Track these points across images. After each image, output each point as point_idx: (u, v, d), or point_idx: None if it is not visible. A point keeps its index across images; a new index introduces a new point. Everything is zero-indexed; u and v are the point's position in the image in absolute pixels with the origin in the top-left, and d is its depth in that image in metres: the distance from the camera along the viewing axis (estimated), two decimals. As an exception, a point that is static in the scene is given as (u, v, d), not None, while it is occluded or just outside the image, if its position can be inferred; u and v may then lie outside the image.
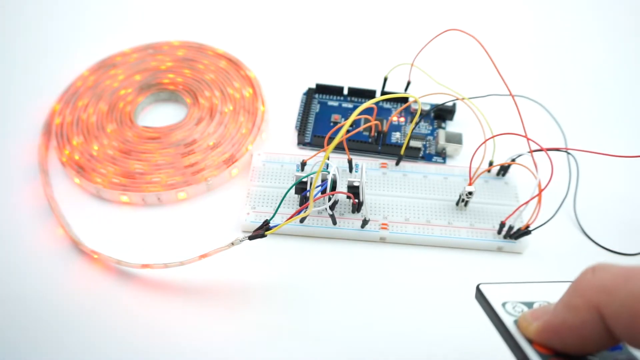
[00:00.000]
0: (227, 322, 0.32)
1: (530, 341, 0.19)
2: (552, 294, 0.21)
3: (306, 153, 0.40)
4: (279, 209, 0.35)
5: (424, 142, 0.40)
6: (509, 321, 0.20)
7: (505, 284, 0.22)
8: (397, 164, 0.39)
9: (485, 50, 0.34)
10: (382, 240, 0.35)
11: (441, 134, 0.40)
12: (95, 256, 0.34)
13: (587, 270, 0.17)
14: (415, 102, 0.42)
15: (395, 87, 0.42)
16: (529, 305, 0.21)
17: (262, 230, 0.30)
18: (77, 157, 0.39)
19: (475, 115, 0.36)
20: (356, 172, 0.38)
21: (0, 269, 0.34)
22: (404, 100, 0.43)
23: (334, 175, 0.33)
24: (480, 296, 0.22)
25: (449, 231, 0.35)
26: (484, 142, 0.34)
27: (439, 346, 0.31)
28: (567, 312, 0.17)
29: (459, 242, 0.35)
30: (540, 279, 0.23)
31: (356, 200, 0.34)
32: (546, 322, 0.18)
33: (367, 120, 0.40)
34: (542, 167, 0.33)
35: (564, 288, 0.19)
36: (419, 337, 0.32)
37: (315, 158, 0.37)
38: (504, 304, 0.21)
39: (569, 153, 0.39)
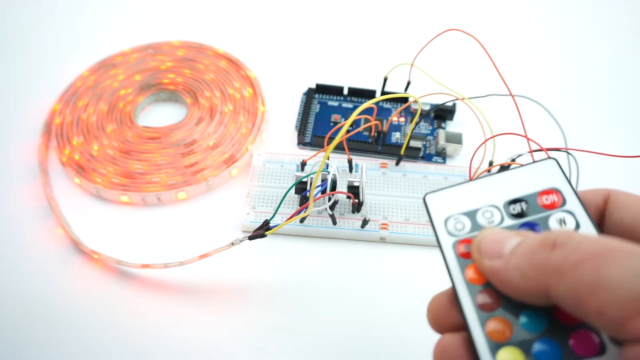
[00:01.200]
0: (227, 322, 0.32)
1: (463, 266, 0.20)
2: (498, 194, 0.21)
3: (306, 153, 0.40)
4: (279, 209, 0.35)
5: (424, 142, 0.40)
6: (447, 243, 0.20)
7: (451, 189, 0.21)
8: (397, 164, 0.39)
9: (485, 50, 0.34)
10: (382, 240, 0.35)
11: (441, 134, 0.40)
12: (95, 256, 0.34)
13: (549, 241, 0.17)
14: (415, 102, 0.42)
15: (395, 87, 0.42)
16: (472, 214, 0.21)
17: (262, 230, 0.30)
18: (77, 157, 0.39)
19: (475, 115, 0.36)
20: (356, 172, 0.38)
21: (0, 269, 0.34)
22: (404, 100, 0.43)
23: (334, 175, 0.33)
24: (427, 210, 0.21)
25: (449, 231, 0.35)
26: (484, 142, 0.34)
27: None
28: (517, 275, 0.18)
29: (459, 242, 0.35)
30: None
31: (356, 200, 0.34)
32: (496, 270, 0.18)
33: (367, 120, 0.40)
34: (542, 167, 0.33)
35: (512, 178, 0.20)
36: (418, 336, 0.32)
37: (315, 158, 0.37)
38: (446, 221, 0.21)
39: (569, 153, 0.38)
